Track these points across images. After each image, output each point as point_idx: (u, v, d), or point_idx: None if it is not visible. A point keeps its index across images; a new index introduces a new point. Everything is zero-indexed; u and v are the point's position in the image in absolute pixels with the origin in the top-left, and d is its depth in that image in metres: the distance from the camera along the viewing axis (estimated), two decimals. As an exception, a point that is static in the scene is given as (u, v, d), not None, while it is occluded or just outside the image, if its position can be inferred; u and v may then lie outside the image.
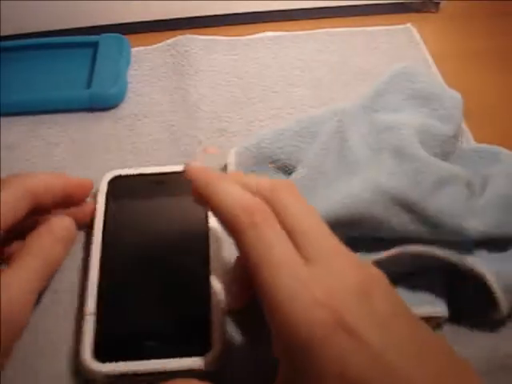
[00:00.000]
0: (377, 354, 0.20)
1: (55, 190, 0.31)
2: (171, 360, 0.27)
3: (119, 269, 0.30)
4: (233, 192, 0.25)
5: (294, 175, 0.35)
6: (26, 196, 0.29)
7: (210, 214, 0.32)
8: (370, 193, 0.30)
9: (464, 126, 0.40)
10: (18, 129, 0.42)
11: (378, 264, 0.26)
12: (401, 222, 0.30)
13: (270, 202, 0.25)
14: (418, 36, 0.49)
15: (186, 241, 0.32)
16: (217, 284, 0.29)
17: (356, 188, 0.31)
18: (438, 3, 0.53)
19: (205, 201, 0.26)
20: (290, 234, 0.24)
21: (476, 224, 0.30)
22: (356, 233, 0.31)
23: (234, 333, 0.30)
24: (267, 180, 0.26)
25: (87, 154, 0.40)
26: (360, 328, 0.21)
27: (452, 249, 0.30)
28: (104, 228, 0.32)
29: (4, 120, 0.42)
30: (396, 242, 0.31)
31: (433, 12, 0.53)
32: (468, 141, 0.40)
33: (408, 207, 0.30)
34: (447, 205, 0.30)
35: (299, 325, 0.21)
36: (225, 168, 0.36)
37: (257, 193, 0.25)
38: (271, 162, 0.36)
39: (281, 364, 0.23)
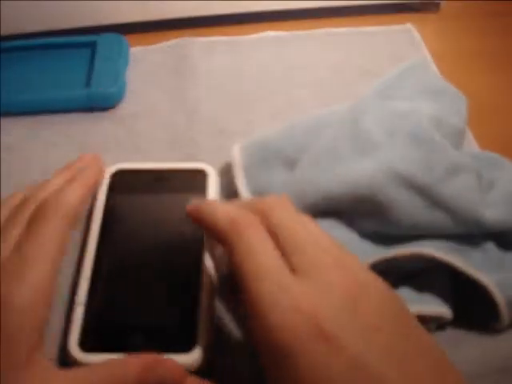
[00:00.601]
0: (355, 359, 0.20)
1: (84, 202, 0.31)
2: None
3: (113, 262, 0.30)
4: (220, 209, 0.26)
5: (300, 164, 0.34)
6: (66, 225, 0.28)
7: None
8: (384, 174, 0.31)
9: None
10: (18, 129, 0.42)
11: (382, 263, 0.26)
12: (413, 205, 0.30)
13: (264, 219, 0.25)
14: (417, 36, 0.49)
15: (181, 239, 0.32)
16: (208, 282, 0.29)
17: (370, 168, 0.31)
18: (438, 3, 0.53)
19: (200, 224, 0.27)
20: (282, 247, 0.24)
21: (491, 212, 0.30)
22: (368, 222, 0.31)
23: (226, 333, 0.30)
24: (260, 199, 0.27)
25: (87, 154, 0.40)
26: (338, 335, 0.21)
27: (461, 241, 0.30)
28: (102, 221, 0.32)
29: (4, 120, 0.42)
30: (403, 239, 0.31)
31: (433, 12, 0.53)
32: (469, 141, 0.40)
33: (421, 190, 0.30)
34: (462, 190, 0.30)
35: (277, 331, 0.21)
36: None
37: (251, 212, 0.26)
38: (279, 158, 0.35)
39: (265, 373, 0.23)
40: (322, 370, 0.20)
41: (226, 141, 0.39)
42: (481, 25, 0.52)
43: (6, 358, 0.24)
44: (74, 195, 0.29)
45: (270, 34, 0.49)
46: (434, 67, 0.46)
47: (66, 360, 0.28)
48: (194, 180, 0.35)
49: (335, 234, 0.28)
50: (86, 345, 0.27)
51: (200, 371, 0.27)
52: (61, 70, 0.45)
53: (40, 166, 0.39)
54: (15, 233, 0.28)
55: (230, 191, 0.36)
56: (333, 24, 0.50)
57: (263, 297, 0.22)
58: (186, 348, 0.27)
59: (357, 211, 0.32)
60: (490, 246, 0.31)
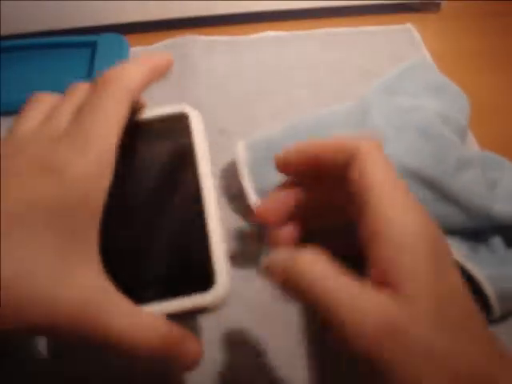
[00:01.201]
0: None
1: (146, 84, 0.27)
2: (176, 300, 0.26)
3: (112, 215, 0.29)
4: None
5: None
6: (128, 102, 0.25)
7: (197, 155, 0.31)
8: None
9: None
10: (18, 129, 0.41)
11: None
12: (423, 199, 0.31)
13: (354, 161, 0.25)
14: (417, 36, 0.49)
15: (177, 182, 0.31)
16: (213, 220, 0.29)
17: None
18: (438, 3, 0.53)
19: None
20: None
21: (499, 207, 0.31)
22: None
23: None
24: (351, 138, 0.26)
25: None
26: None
27: (470, 236, 0.30)
28: None
29: (4, 120, 0.42)
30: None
31: (433, 12, 0.53)
32: (469, 141, 0.40)
33: (430, 184, 0.31)
34: (471, 183, 0.31)
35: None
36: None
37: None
38: None
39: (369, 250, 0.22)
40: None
41: (226, 140, 0.40)
42: (481, 25, 0.52)
43: (64, 237, 0.21)
44: (137, 71, 0.26)
45: (269, 33, 0.49)
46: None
47: None
48: (178, 123, 0.33)
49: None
50: None
51: (219, 308, 0.27)
52: (61, 70, 0.45)
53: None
54: (69, 107, 0.25)
55: (231, 191, 0.36)
56: (333, 24, 0.51)
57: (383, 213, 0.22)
58: (204, 288, 0.26)
59: None
60: (497, 242, 0.32)
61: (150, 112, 0.33)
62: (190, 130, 0.32)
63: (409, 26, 0.50)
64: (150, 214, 0.30)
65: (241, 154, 0.36)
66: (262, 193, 0.34)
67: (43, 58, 0.46)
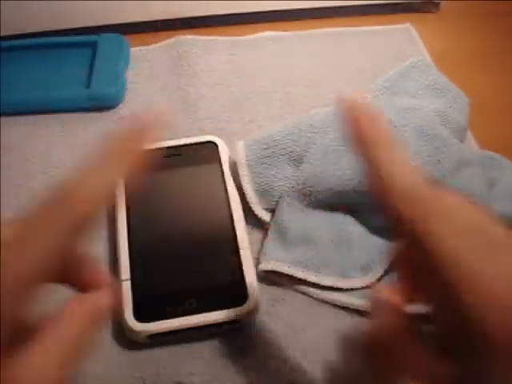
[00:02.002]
0: None
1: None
2: (209, 314, 0.28)
3: (147, 235, 0.32)
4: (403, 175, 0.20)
5: (307, 159, 0.35)
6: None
7: (227, 178, 0.35)
8: None
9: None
10: (18, 129, 0.42)
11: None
12: None
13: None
14: (417, 36, 0.49)
15: (208, 204, 0.34)
16: (243, 240, 0.32)
17: None
18: (438, 3, 0.53)
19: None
20: None
21: (500, 204, 0.31)
22: (376, 217, 0.31)
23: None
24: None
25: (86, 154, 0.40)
26: None
27: None
28: (127, 198, 0.34)
29: (4, 120, 0.42)
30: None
31: (432, 12, 0.53)
32: (468, 141, 0.40)
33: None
34: (470, 183, 0.31)
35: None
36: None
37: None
38: (284, 154, 0.36)
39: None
40: None
41: (226, 140, 0.40)
42: (480, 25, 0.52)
43: None
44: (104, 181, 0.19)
45: (269, 33, 0.49)
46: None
47: (124, 333, 0.29)
48: (206, 152, 0.37)
49: (351, 230, 0.29)
50: (142, 316, 0.29)
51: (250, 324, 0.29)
52: (61, 70, 0.45)
53: (40, 166, 0.39)
54: None
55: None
56: (333, 24, 0.51)
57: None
58: (236, 303, 0.29)
59: (366, 205, 0.32)
60: None
61: (181, 141, 0.37)
62: (218, 155, 0.36)
63: (408, 25, 0.50)
64: (186, 230, 0.33)
65: (240, 153, 0.36)
66: (262, 190, 0.34)
67: (43, 58, 0.46)
